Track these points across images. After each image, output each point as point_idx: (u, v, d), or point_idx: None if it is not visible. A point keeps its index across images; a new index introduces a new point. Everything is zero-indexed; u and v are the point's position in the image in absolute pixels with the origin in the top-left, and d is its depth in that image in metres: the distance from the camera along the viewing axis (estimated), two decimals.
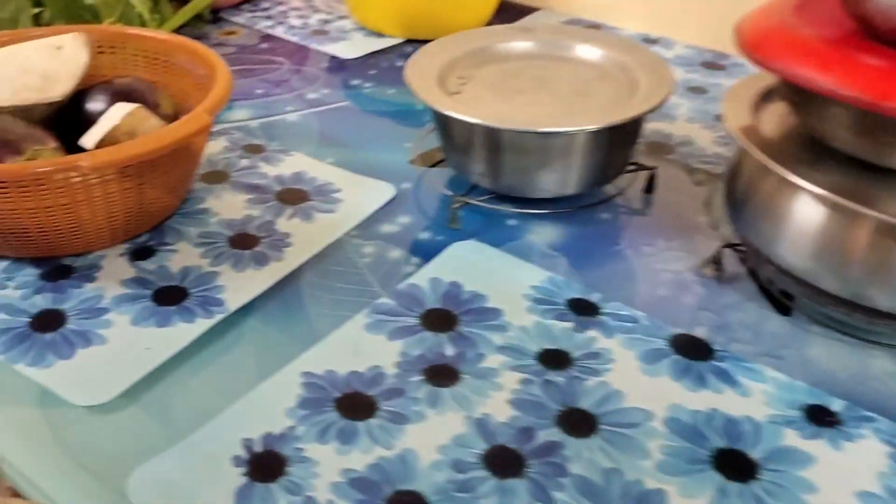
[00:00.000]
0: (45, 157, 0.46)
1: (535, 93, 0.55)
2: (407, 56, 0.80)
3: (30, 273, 0.47)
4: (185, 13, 0.73)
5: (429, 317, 0.45)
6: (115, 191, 0.45)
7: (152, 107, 0.52)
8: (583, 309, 0.46)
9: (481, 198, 0.55)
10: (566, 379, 0.41)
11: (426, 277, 0.48)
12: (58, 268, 0.48)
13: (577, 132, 0.50)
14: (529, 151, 0.52)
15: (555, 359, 0.42)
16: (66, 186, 0.43)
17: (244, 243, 0.50)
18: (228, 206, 0.54)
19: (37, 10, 0.66)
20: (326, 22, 0.86)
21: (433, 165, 0.60)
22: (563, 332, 0.44)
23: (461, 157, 0.55)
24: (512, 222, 0.54)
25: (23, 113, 0.51)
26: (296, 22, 0.85)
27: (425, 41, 0.83)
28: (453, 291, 0.47)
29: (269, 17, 0.86)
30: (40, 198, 0.43)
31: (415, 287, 0.47)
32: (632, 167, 0.57)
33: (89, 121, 0.52)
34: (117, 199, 0.46)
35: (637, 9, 0.87)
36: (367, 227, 0.54)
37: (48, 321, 0.44)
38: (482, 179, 0.55)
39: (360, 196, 0.56)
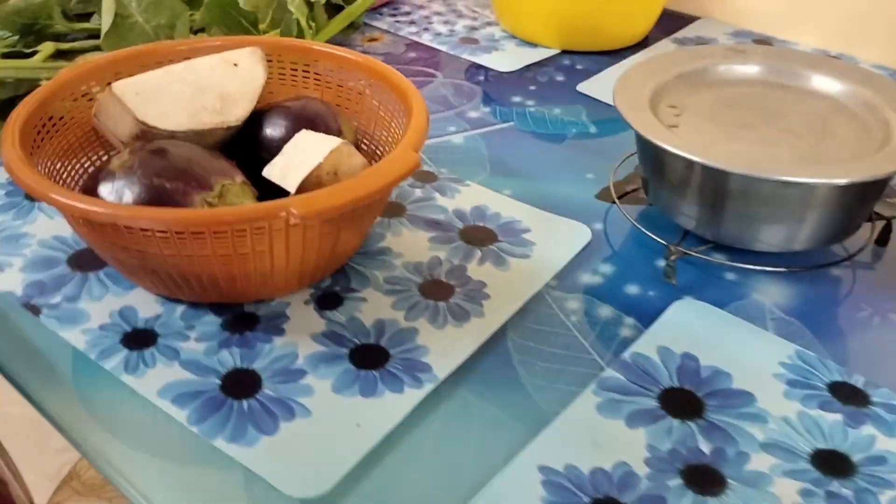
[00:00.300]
0: (234, 193, 0.41)
1: (764, 128, 0.48)
2: (565, 69, 0.74)
3: (210, 321, 0.43)
4: (341, 21, 0.67)
5: (668, 398, 0.39)
6: (314, 236, 0.40)
7: (335, 134, 0.47)
8: (849, 397, 0.39)
9: (698, 248, 0.48)
10: (854, 491, 0.34)
11: (653, 346, 0.42)
12: (240, 316, 0.43)
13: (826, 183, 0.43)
14: (762, 200, 0.45)
15: (833, 463, 0.36)
16: (266, 233, 0.38)
17: (437, 293, 0.45)
18: (410, 245, 0.49)
19: (190, 13, 0.61)
20: (473, 29, 0.79)
21: (619, 198, 0.53)
22: (833, 427, 0.37)
23: (673, 198, 0.48)
24: (731, 277, 0.48)
25: (198, 138, 0.46)
26: (441, 28, 0.79)
27: (583, 53, 0.77)
28: (690, 366, 0.41)
29: (412, 23, 0.80)
30: (237, 244, 0.38)
31: (643, 358, 0.41)
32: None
33: (267, 148, 0.47)
34: (314, 245, 0.41)
35: (813, 21, 0.79)
36: (565, 276, 0.47)
37: (242, 384, 0.39)
38: (696, 226, 0.48)
39: (554, 238, 0.50)
